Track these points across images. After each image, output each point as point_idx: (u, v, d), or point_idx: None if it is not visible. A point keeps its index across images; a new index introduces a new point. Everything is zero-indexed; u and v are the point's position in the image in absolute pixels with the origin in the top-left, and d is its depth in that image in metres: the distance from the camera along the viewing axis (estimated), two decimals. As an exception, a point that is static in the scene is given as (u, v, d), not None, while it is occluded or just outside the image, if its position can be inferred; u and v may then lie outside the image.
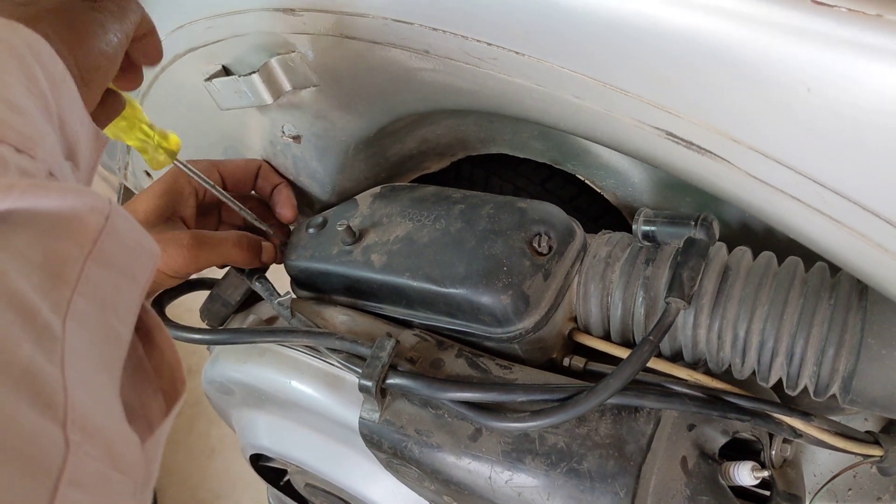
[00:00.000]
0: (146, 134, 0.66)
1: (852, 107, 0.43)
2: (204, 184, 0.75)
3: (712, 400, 0.66)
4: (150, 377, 0.42)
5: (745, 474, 0.65)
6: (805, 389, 0.65)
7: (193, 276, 0.84)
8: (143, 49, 0.58)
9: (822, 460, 0.83)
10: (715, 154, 0.51)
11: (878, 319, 0.60)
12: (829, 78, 0.43)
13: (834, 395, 0.64)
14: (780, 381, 0.66)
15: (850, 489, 0.81)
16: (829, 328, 0.61)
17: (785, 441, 0.71)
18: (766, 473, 0.65)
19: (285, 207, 0.85)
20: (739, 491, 0.67)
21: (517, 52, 0.54)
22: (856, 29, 0.41)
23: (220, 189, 0.77)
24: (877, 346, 0.60)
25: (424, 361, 0.71)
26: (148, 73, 0.87)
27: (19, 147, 0.37)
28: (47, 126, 0.41)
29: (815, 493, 0.70)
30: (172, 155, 0.69)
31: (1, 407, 0.28)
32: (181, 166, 0.72)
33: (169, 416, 0.41)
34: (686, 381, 0.67)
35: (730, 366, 0.68)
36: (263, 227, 0.83)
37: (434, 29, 0.58)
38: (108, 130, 0.61)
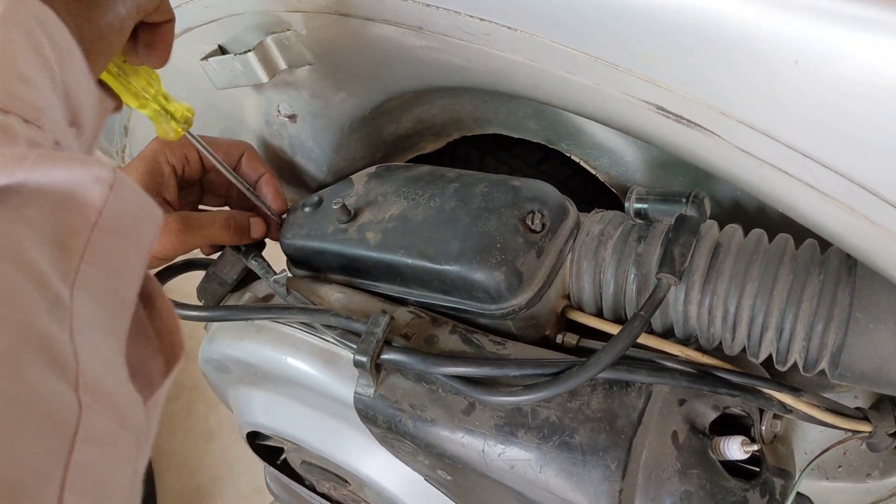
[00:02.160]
0: (160, 104, 0.65)
1: (838, 78, 0.43)
2: (213, 160, 0.75)
3: (703, 375, 0.66)
4: (151, 339, 0.43)
5: (734, 449, 0.66)
6: (795, 365, 0.66)
7: (189, 257, 0.85)
8: (151, 38, 0.58)
9: (812, 437, 0.84)
10: (704, 128, 0.51)
11: (867, 294, 0.61)
12: (814, 50, 0.43)
13: (823, 371, 0.65)
14: (770, 357, 0.67)
15: (840, 466, 0.82)
16: (818, 303, 0.62)
17: (775, 417, 0.72)
18: (755, 448, 0.66)
19: (275, 200, 0.83)
20: (729, 465, 0.68)
21: (509, 28, 0.55)
22: (841, 1, 0.42)
23: (228, 168, 0.77)
24: (865, 321, 0.60)
25: (419, 337, 0.71)
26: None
27: (27, 118, 0.38)
28: (53, 96, 0.43)
29: (805, 468, 0.70)
30: (185, 127, 0.68)
31: (23, 372, 0.31)
32: (192, 139, 0.72)
33: (168, 377, 0.43)
34: (677, 356, 0.68)
35: (720, 342, 0.68)
36: (266, 209, 0.82)
37: (427, 5, 0.58)
38: (124, 98, 0.61)
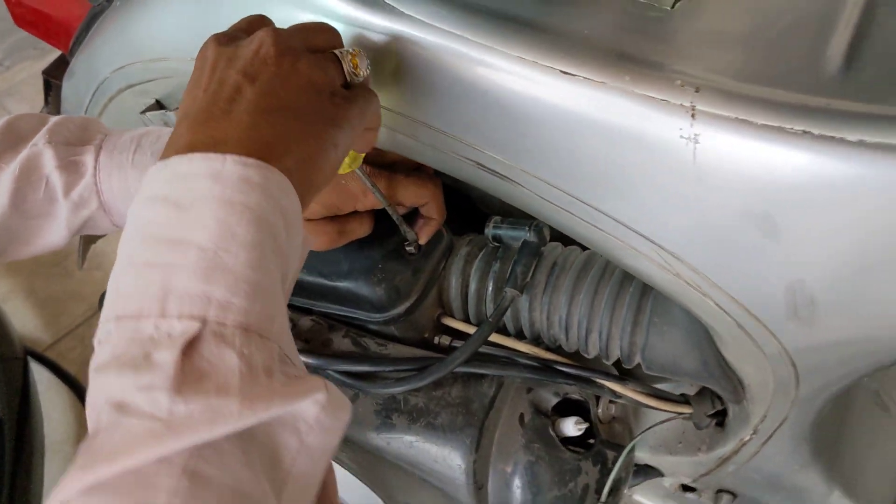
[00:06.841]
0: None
1: (601, 139, 0.56)
2: (376, 194, 0.75)
3: (545, 368, 0.82)
4: None
5: (569, 427, 0.82)
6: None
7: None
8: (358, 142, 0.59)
9: (656, 419, 1.00)
10: (513, 180, 0.65)
11: (663, 302, 0.77)
12: (576, 120, 0.57)
13: (640, 365, 0.81)
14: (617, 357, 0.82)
15: (680, 442, 0.97)
16: (627, 310, 0.78)
17: (611, 402, 0.88)
18: (586, 426, 0.82)
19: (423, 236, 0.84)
20: (571, 440, 0.84)
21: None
22: (596, 91, 0.56)
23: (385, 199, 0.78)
24: (661, 324, 0.76)
25: (317, 341, 0.86)
26: (99, 100, 1.02)
27: (262, 332, 0.41)
28: (279, 285, 0.44)
29: (633, 441, 0.86)
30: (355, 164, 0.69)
31: None
32: (361, 176, 0.73)
33: None
34: (526, 353, 0.84)
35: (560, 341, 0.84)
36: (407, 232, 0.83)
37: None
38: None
